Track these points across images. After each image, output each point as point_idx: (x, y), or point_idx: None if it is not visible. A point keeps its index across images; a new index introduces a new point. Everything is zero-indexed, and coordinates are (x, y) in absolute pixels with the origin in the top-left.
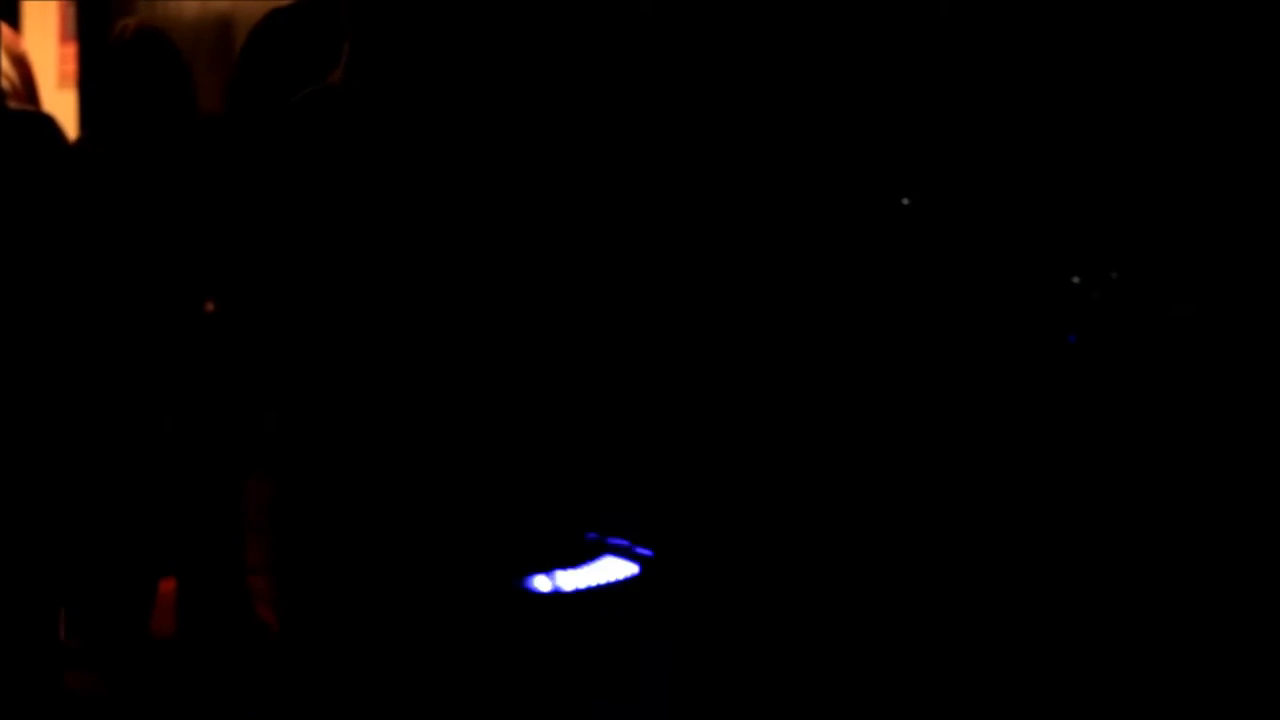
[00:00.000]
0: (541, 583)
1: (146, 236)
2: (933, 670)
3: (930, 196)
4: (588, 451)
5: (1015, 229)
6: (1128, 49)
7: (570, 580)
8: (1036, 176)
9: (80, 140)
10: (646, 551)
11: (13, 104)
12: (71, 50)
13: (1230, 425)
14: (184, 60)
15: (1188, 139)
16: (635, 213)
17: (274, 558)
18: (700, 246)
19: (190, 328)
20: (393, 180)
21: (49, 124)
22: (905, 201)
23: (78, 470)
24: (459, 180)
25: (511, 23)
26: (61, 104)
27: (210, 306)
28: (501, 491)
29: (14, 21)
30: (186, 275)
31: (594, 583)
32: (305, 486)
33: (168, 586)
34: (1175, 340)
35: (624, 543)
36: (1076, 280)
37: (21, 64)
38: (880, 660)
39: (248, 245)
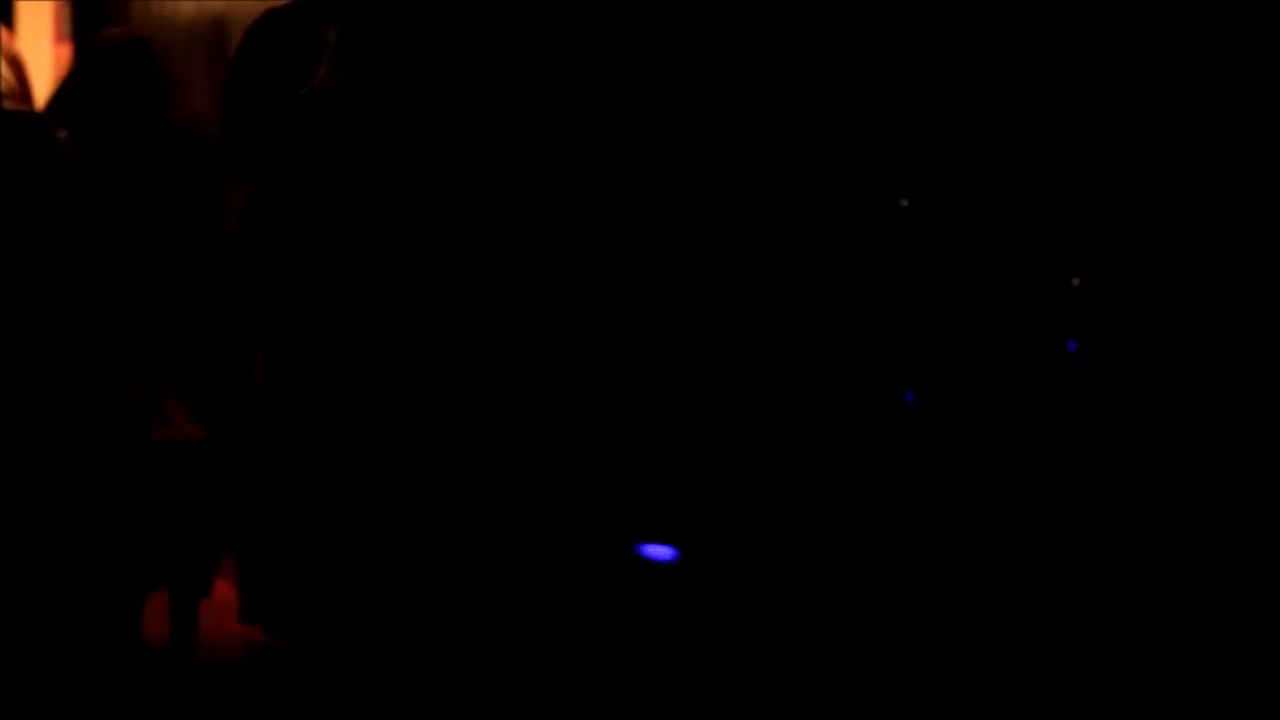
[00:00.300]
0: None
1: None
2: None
3: (929, 198)
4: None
5: (1014, 230)
6: (1127, 50)
7: None
8: (1036, 178)
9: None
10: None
11: (8, 104)
12: (66, 50)
13: (1231, 428)
14: (165, 74)
15: (1189, 139)
16: (632, 210)
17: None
18: (698, 247)
19: (179, 331)
20: (384, 175)
21: (44, 124)
22: (904, 203)
23: (66, 473)
24: (450, 174)
25: (503, 14)
26: None
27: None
28: (502, 496)
29: (9, 22)
30: (161, 281)
31: None
32: (302, 483)
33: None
34: (1175, 342)
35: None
36: (1076, 282)
37: (16, 64)
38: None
39: (246, 244)
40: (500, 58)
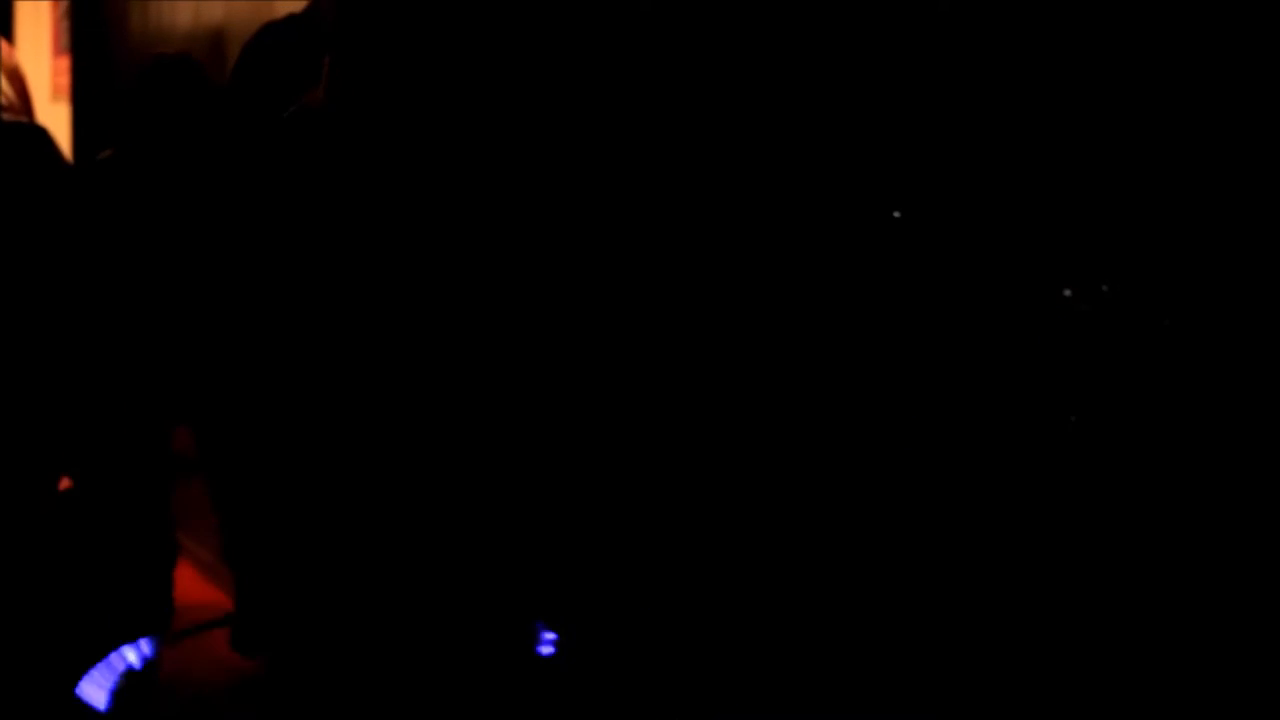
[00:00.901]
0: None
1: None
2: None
3: (921, 209)
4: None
5: (1005, 241)
6: (1116, 64)
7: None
8: (1027, 188)
9: (100, 160)
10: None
11: (7, 116)
12: (65, 63)
13: (1225, 439)
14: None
15: (1182, 149)
16: (620, 238)
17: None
18: (690, 258)
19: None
20: (380, 200)
21: (43, 136)
22: (896, 214)
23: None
24: (448, 198)
25: (499, 31)
26: (55, 116)
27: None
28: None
29: (8, 34)
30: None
31: None
32: (296, 507)
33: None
34: (1169, 353)
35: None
36: (1068, 293)
37: (16, 77)
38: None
39: (231, 268)
40: (493, 76)
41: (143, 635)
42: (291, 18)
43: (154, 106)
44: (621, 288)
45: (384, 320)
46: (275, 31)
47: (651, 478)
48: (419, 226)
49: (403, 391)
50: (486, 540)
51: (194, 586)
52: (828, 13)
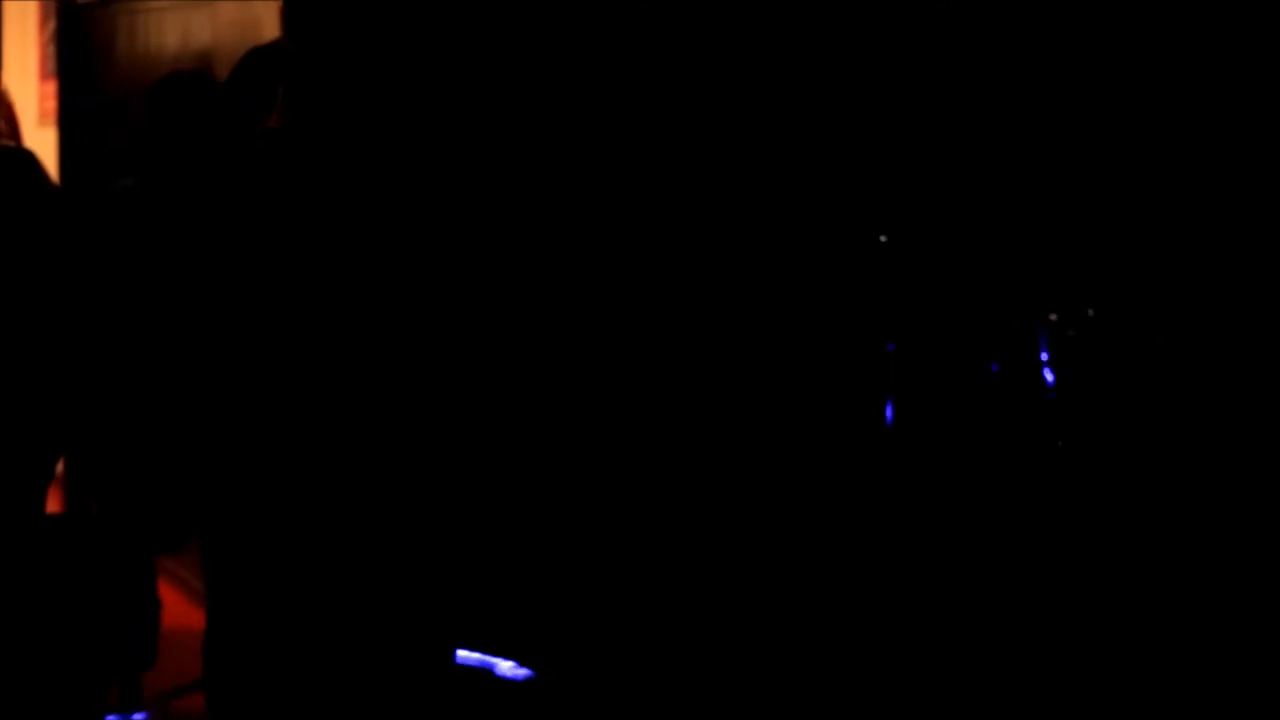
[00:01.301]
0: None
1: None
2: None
3: (907, 233)
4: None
5: (991, 265)
6: (1099, 87)
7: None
8: (1013, 212)
9: (127, 186)
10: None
11: None
12: (51, 88)
13: (1211, 462)
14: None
15: (1166, 176)
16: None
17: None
18: (676, 272)
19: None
20: (333, 227)
21: (30, 160)
22: (883, 238)
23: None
24: (400, 226)
25: (450, 55)
26: (42, 140)
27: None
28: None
29: None
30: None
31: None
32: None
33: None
34: (1154, 376)
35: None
36: (1054, 318)
37: (3, 102)
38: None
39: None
40: (450, 100)
41: (128, 669)
42: (278, 42)
43: (171, 124)
44: (558, 319)
45: (330, 342)
46: (262, 56)
47: (635, 483)
48: (368, 251)
49: (353, 412)
50: (467, 560)
51: (178, 609)
52: (805, 55)
